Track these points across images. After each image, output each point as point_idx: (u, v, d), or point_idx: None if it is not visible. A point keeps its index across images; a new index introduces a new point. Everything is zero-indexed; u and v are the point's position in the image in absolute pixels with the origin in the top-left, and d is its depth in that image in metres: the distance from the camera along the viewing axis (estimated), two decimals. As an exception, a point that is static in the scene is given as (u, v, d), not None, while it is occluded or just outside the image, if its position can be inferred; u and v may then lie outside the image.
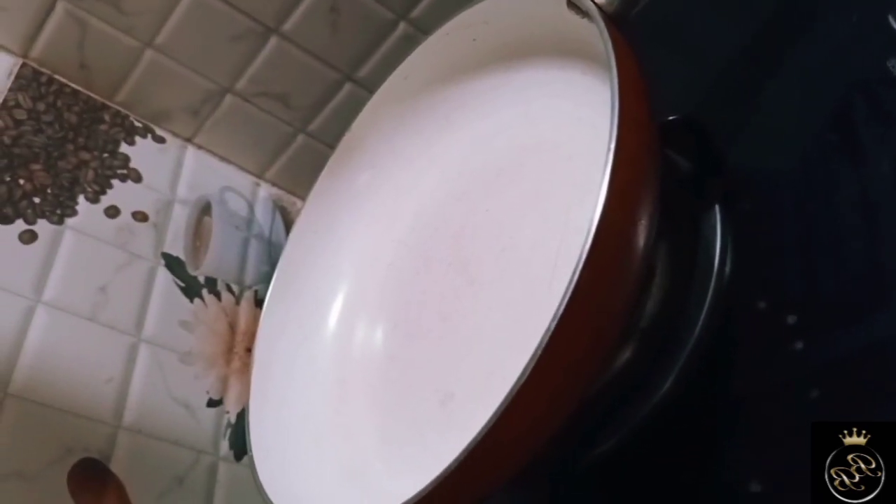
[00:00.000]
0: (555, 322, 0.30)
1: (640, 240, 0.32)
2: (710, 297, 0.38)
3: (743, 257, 0.39)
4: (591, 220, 0.30)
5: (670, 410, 0.37)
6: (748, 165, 0.41)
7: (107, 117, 0.70)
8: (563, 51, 0.43)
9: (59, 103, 0.68)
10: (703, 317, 0.38)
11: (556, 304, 0.30)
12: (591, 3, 0.37)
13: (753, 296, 0.38)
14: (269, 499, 0.41)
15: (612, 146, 0.31)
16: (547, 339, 0.30)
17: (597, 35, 0.35)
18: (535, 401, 0.31)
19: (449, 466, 0.31)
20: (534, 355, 0.30)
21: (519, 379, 0.30)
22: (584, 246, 0.30)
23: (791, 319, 0.36)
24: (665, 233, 0.39)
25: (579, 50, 0.40)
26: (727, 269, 0.39)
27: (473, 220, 0.47)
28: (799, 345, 0.35)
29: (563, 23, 0.39)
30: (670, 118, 0.39)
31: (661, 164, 0.34)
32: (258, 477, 0.43)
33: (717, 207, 0.40)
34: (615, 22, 0.36)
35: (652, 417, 0.37)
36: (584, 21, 0.37)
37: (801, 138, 0.40)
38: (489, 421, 0.30)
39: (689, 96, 0.46)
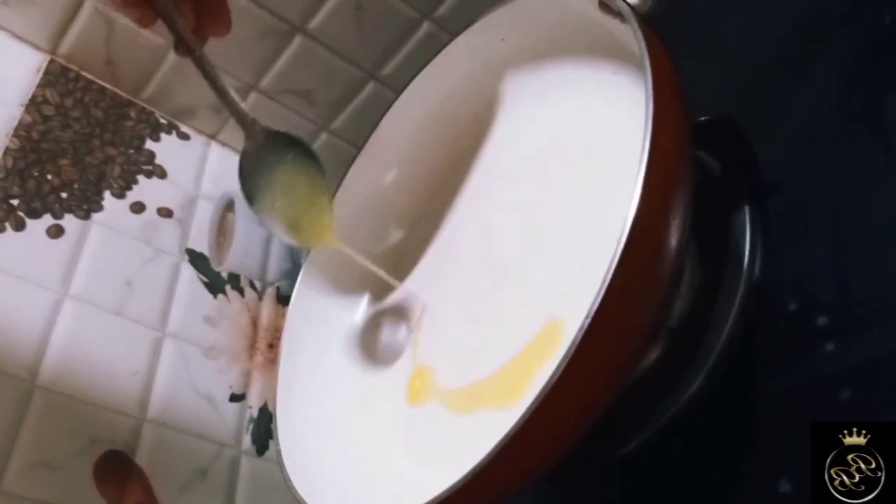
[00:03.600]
0: (588, 320, 0.30)
1: (674, 239, 0.32)
2: (739, 297, 0.38)
3: (773, 258, 0.39)
4: (626, 218, 0.30)
5: (699, 410, 0.37)
6: (779, 166, 0.41)
7: (133, 113, 0.71)
8: (593, 51, 0.43)
9: (86, 99, 0.68)
10: (732, 317, 0.38)
11: (586, 302, 0.30)
12: (624, 3, 0.37)
13: (783, 297, 0.38)
14: (295, 491, 0.42)
15: (647, 145, 0.31)
16: (580, 337, 0.30)
17: (629, 35, 0.35)
18: (567, 399, 0.31)
19: (479, 463, 0.31)
20: (566, 354, 0.30)
21: (552, 377, 0.30)
22: (618, 244, 0.30)
23: (822, 321, 0.35)
24: (695, 233, 0.39)
25: (610, 50, 0.40)
26: (756, 269, 0.39)
27: (501, 219, 0.47)
28: (829, 346, 0.35)
29: (593, 23, 0.39)
30: (701, 119, 0.39)
31: (694, 164, 0.35)
32: (285, 469, 0.43)
33: (746, 208, 0.40)
34: (648, 22, 0.36)
35: (680, 417, 0.37)
36: (616, 21, 0.37)
37: (833, 139, 0.40)
38: (521, 418, 0.30)
39: (719, 96, 0.46)
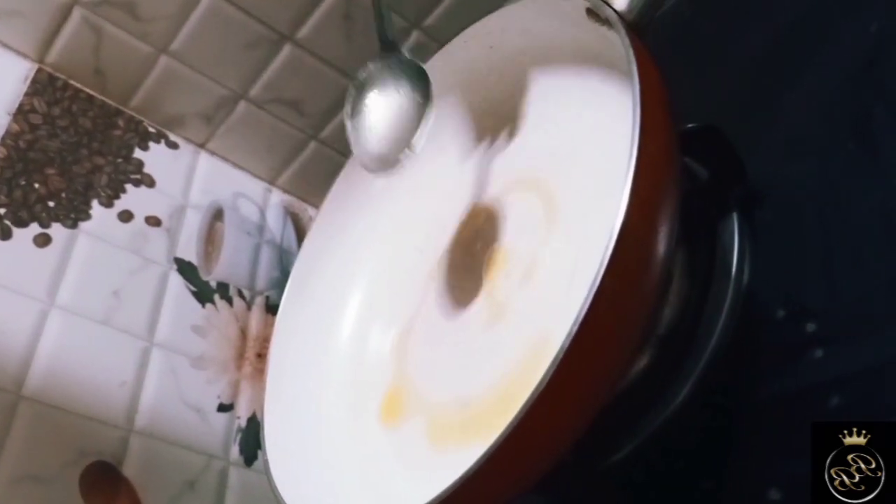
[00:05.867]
0: (576, 327, 0.30)
1: (661, 247, 0.32)
2: (728, 304, 0.38)
3: (762, 265, 0.39)
4: (613, 226, 0.30)
5: (688, 417, 0.37)
6: (768, 173, 0.41)
7: (121, 122, 0.71)
8: (581, 59, 0.43)
9: (74, 108, 0.68)
10: (720, 324, 0.38)
11: (574, 310, 0.30)
12: (612, 11, 0.37)
13: (772, 304, 0.38)
14: (283, 502, 0.41)
15: (634, 153, 0.31)
16: (568, 344, 0.30)
17: (617, 43, 0.35)
18: (555, 408, 0.31)
19: (465, 473, 0.31)
20: (554, 361, 0.30)
21: (539, 385, 0.30)
22: (605, 252, 0.30)
23: (810, 327, 0.36)
24: (683, 240, 0.39)
25: (598, 58, 0.40)
26: (745, 276, 0.39)
27: (490, 227, 0.47)
28: (818, 353, 0.35)
29: (581, 31, 0.39)
30: (689, 126, 0.39)
31: (681, 172, 0.35)
32: (273, 479, 0.43)
33: (735, 215, 0.40)
34: (636, 30, 0.36)
35: (670, 424, 0.37)
36: (604, 29, 0.38)
37: (821, 146, 0.40)
38: (508, 426, 0.30)
39: (708, 104, 0.46)
